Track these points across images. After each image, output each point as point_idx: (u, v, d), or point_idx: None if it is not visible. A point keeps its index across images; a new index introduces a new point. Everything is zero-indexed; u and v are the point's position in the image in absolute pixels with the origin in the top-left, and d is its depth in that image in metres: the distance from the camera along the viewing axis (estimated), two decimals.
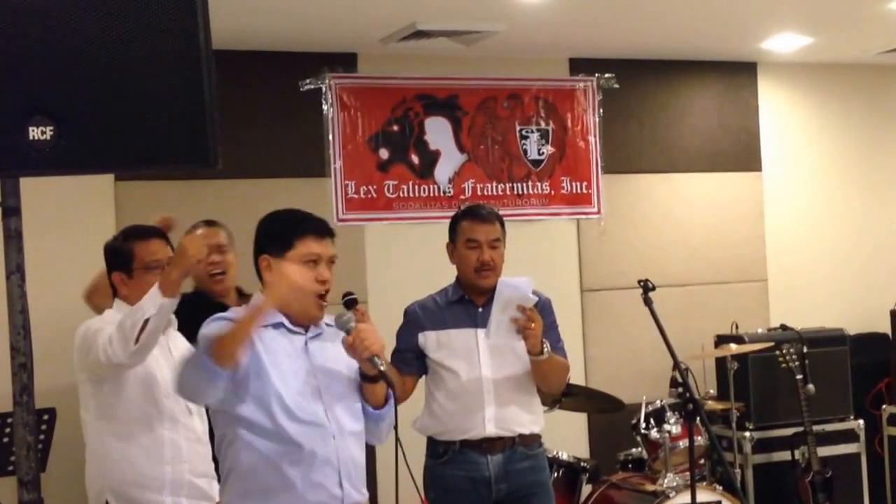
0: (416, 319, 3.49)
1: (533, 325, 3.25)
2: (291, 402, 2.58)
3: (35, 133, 2.13)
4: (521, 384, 3.44)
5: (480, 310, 3.45)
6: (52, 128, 2.13)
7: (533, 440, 3.50)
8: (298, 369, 2.63)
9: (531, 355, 3.34)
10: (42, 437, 3.91)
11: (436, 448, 3.46)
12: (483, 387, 3.39)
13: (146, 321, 2.89)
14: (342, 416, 2.66)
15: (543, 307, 3.41)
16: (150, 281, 3.09)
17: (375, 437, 2.78)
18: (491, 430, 3.39)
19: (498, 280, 3.34)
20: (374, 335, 2.61)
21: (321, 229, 2.70)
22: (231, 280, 3.92)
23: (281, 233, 2.69)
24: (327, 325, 2.72)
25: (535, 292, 3.32)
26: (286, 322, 2.66)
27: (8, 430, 3.82)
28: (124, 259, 3.17)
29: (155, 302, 2.92)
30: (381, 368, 2.60)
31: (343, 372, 2.69)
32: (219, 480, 2.81)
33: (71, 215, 4.72)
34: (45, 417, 3.94)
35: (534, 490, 3.48)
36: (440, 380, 3.42)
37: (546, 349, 3.33)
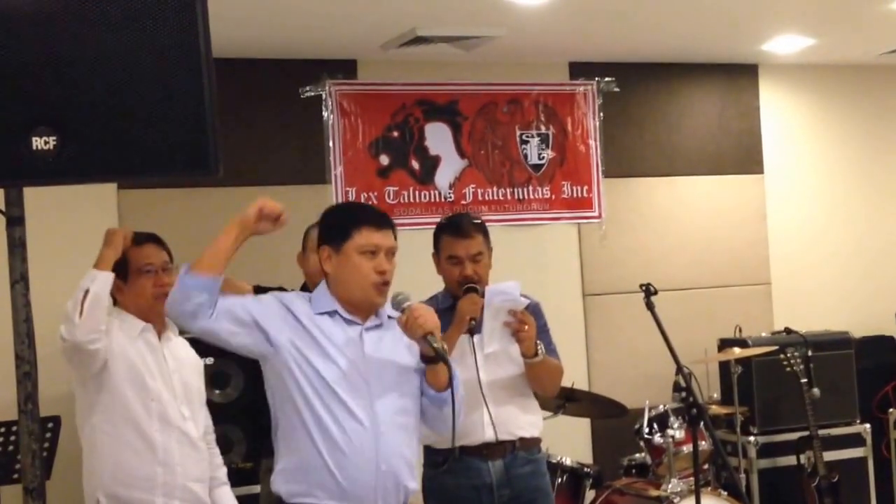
0: None
1: (526, 327, 3.27)
2: (335, 388, 2.63)
3: (38, 143, 2.14)
4: (516, 386, 3.45)
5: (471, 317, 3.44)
6: (55, 138, 2.14)
7: (533, 444, 3.49)
8: (348, 357, 2.67)
9: (526, 358, 3.34)
10: (47, 445, 3.91)
11: (434, 457, 3.44)
12: (479, 389, 3.38)
13: (87, 293, 2.99)
14: (388, 408, 2.68)
15: (534, 310, 3.41)
16: (145, 285, 3.19)
17: (441, 424, 2.76)
18: (490, 434, 3.38)
19: (485, 289, 3.34)
20: (428, 313, 2.64)
21: (379, 220, 2.75)
22: None
23: (339, 224, 2.74)
24: (390, 317, 2.76)
25: (523, 295, 3.33)
26: (341, 311, 2.71)
27: (13, 437, 3.82)
28: (119, 265, 3.19)
29: (90, 276, 3.04)
30: (436, 346, 2.61)
31: (397, 363, 2.71)
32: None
33: (74, 223, 4.72)
34: (50, 426, 3.94)
35: (535, 495, 3.47)
36: None
37: (540, 351, 3.34)
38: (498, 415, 3.39)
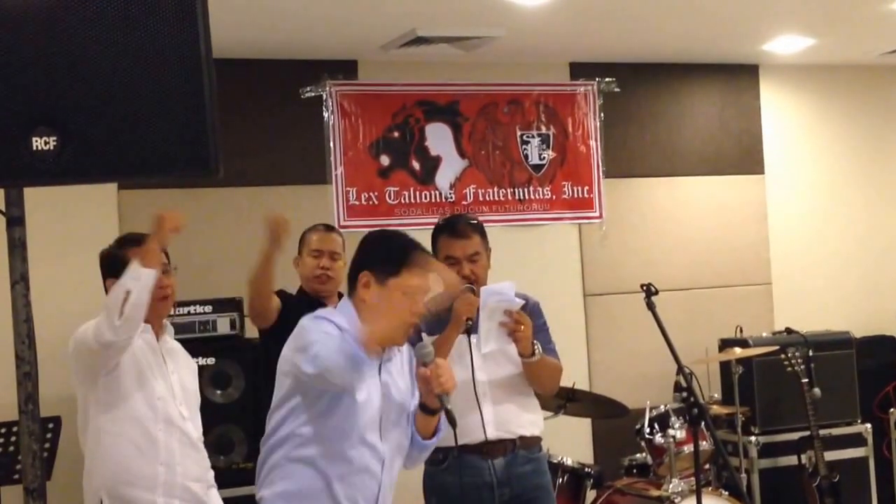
0: None
1: (522, 327, 3.28)
2: (362, 418, 2.61)
3: (38, 143, 2.14)
4: (515, 385, 3.45)
5: (468, 317, 3.44)
6: (55, 138, 2.14)
7: (533, 443, 3.50)
8: (371, 390, 2.65)
9: (523, 357, 3.35)
10: (47, 445, 3.92)
11: (434, 454, 3.44)
12: (477, 389, 3.38)
13: (128, 294, 2.92)
14: (393, 443, 2.70)
15: (532, 310, 3.42)
16: None
17: (412, 463, 2.84)
18: (491, 433, 3.38)
19: (480, 290, 3.34)
20: (450, 373, 2.62)
21: (429, 263, 2.72)
22: (336, 285, 4.02)
23: (392, 257, 2.66)
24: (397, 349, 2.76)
25: (523, 295, 3.35)
26: None
27: (14, 438, 3.82)
28: (119, 265, 3.18)
29: (134, 274, 2.95)
30: (448, 407, 2.59)
31: (402, 401, 2.72)
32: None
33: (74, 224, 4.73)
34: (51, 426, 3.95)
35: (536, 494, 3.47)
36: None
37: (537, 350, 3.35)
38: (497, 414, 3.39)
